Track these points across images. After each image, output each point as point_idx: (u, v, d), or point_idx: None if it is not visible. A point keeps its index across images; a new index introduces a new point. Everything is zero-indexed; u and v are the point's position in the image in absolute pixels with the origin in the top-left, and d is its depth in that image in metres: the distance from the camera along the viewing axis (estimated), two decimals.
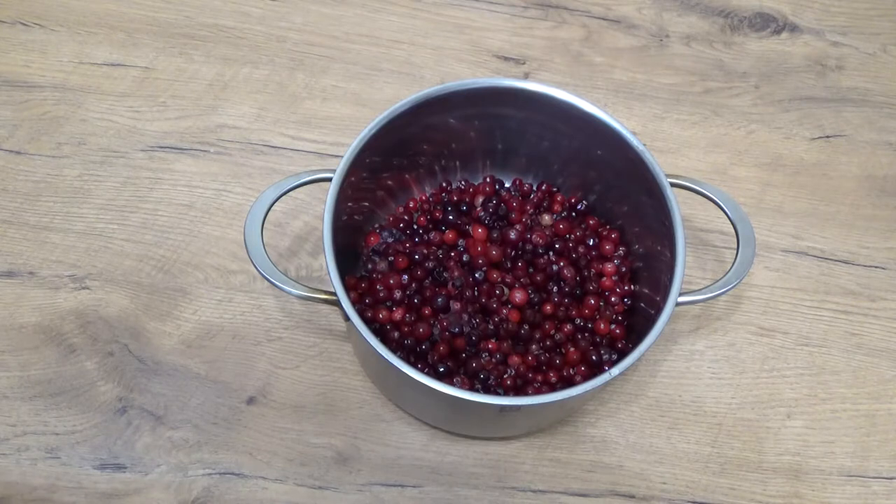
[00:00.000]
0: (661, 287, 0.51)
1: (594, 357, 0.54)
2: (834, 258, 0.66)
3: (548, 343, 0.56)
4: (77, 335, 0.59)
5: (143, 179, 0.65)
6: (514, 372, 0.54)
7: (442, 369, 0.52)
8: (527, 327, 0.56)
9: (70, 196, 0.64)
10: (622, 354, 0.53)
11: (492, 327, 0.55)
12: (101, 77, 0.69)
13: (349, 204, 0.55)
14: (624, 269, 0.58)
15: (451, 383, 0.50)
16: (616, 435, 0.59)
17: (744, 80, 0.74)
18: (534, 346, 0.56)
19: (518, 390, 0.54)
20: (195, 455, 0.56)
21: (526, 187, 0.63)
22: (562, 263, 0.58)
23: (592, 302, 0.57)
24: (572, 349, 0.55)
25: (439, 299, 0.54)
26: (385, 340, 0.53)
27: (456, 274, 0.56)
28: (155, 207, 0.64)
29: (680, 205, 0.52)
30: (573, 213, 0.62)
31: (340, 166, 0.51)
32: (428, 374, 0.48)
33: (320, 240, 0.63)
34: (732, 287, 0.52)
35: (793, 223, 0.68)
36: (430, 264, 0.56)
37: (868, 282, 0.66)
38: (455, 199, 0.61)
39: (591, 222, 0.61)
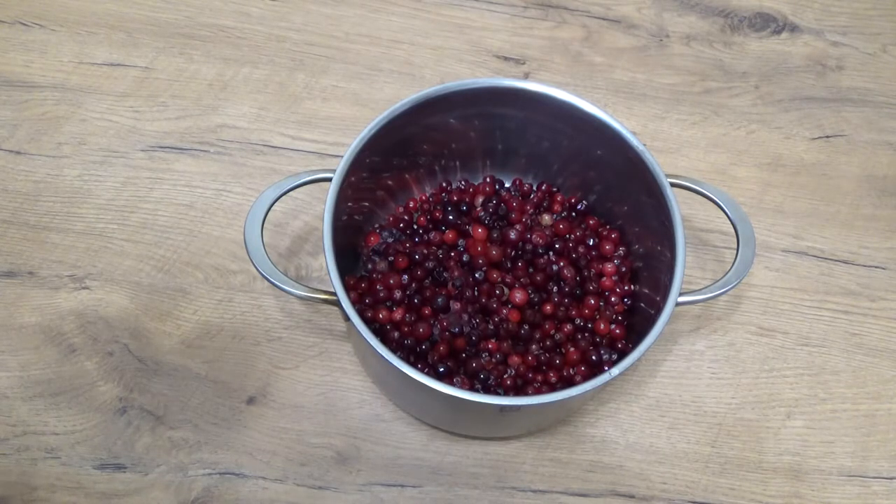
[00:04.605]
0: (661, 287, 0.51)
1: (594, 357, 0.54)
2: (834, 258, 0.66)
3: (548, 343, 0.56)
4: (77, 335, 0.59)
5: (143, 179, 0.65)
6: (514, 372, 0.54)
7: (442, 369, 0.52)
8: (527, 327, 0.56)
9: (70, 196, 0.64)
10: (622, 354, 0.53)
11: (492, 327, 0.55)
12: (101, 77, 0.69)
13: (349, 204, 0.55)
14: (624, 269, 0.58)
15: (451, 383, 0.50)
16: (616, 435, 0.59)
17: (744, 80, 0.74)
18: (534, 346, 0.56)
19: (518, 390, 0.54)
20: (195, 455, 0.56)
21: (526, 187, 0.63)
22: (562, 263, 0.58)
23: (592, 302, 0.57)
24: (572, 349, 0.55)
25: (439, 299, 0.54)
26: (385, 340, 0.53)
27: (456, 274, 0.56)
28: (155, 207, 0.64)
29: (680, 205, 0.52)
30: (573, 213, 0.62)
31: (340, 166, 0.51)
32: (428, 374, 0.48)
33: (320, 240, 0.63)
34: (732, 287, 0.52)
35: (793, 223, 0.68)
36: (430, 264, 0.56)
37: (868, 282, 0.66)
38: (455, 199, 0.61)
39: (591, 222, 0.61)
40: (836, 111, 0.73)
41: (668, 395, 0.60)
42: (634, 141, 0.53)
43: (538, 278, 0.57)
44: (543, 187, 0.62)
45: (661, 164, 0.53)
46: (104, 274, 0.61)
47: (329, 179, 0.51)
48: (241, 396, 0.58)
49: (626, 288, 0.58)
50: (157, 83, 0.69)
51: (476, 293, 0.56)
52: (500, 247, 0.57)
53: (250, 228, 0.50)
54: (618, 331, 0.56)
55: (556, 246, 0.58)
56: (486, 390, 0.53)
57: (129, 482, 0.55)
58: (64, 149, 0.66)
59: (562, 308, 0.57)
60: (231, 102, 0.69)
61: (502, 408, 0.47)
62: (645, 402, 0.60)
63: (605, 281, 0.58)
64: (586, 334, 0.56)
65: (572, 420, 0.59)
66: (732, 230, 0.54)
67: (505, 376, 0.53)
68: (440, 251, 0.58)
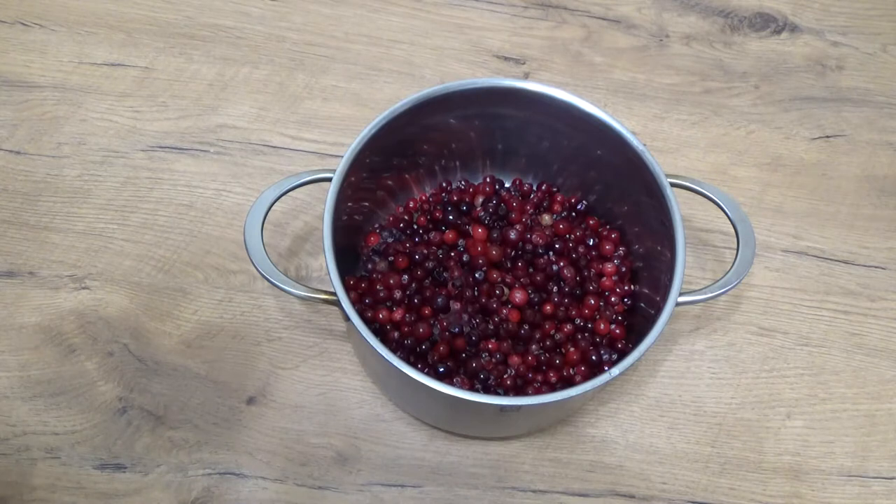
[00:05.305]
0: (661, 287, 0.51)
1: (594, 357, 0.54)
2: (834, 258, 0.66)
3: (548, 343, 0.56)
4: (77, 335, 0.59)
5: (143, 179, 0.65)
6: (514, 372, 0.54)
7: (442, 369, 0.52)
8: (527, 327, 0.56)
9: (70, 196, 0.64)
10: (622, 354, 0.53)
11: (492, 327, 0.55)
12: (101, 77, 0.69)
13: (349, 204, 0.55)
14: (624, 269, 0.58)
15: (451, 383, 0.50)
16: (616, 435, 0.59)
17: (744, 80, 0.74)
18: (534, 346, 0.56)
19: (518, 390, 0.54)
20: (195, 455, 0.56)
21: (526, 187, 0.63)
22: (562, 263, 0.58)
23: (592, 302, 0.57)
24: (572, 349, 0.55)
25: (439, 299, 0.54)
26: (385, 340, 0.53)
27: (456, 274, 0.56)
28: (155, 207, 0.64)
29: (680, 205, 0.52)
30: (573, 213, 0.62)
31: (340, 166, 0.51)
32: (428, 374, 0.48)
33: (320, 240, 0.63)
34: (732, 287, 0.52)
35: (793, 223, 0.68)
36: (430, 264, 0.56)
37: (868, 282, 0.66)
38: (455, 199, 0.61)
39: (591, 222, 0.61)
40: (836, 111, 0.73)
41: (668, 395, 0.60)
42: (634, 141, 0.53)
43: (538, 278, 0.57)
44: (543, 187, 0.62)
45: (661, 164, 0.53)
46: (104, 274, 0.61)
47: (329, 179, 0.51)
48: (241, 396, 0.58)
49: (626, 288, 0.58)
50: (157, 83, 0.69)
51: (476, 293, 0.56)
52: (500, 247, 0.57)
53: (250, 228, 0.50)
54: (618, 331, 0.56)
55: (556, 246, 0.58)
56: (486, 390, 0.53)
57: (129, 482, 0.55)
58: (64, 149, 0.66)
59: (562, 308, 0.57)
60: (231, 102, 0.69)
61: (502, 408, 0.47)
62: (645, 402, 0.60)
63: (605, 281, 0.58)
64: (586, 334, 0.56)
65: (572, 420, 0.59)
66: (732, 230, 0.54)
67: (505, 376, 0.53)
68: (440, 251, 0.58)
